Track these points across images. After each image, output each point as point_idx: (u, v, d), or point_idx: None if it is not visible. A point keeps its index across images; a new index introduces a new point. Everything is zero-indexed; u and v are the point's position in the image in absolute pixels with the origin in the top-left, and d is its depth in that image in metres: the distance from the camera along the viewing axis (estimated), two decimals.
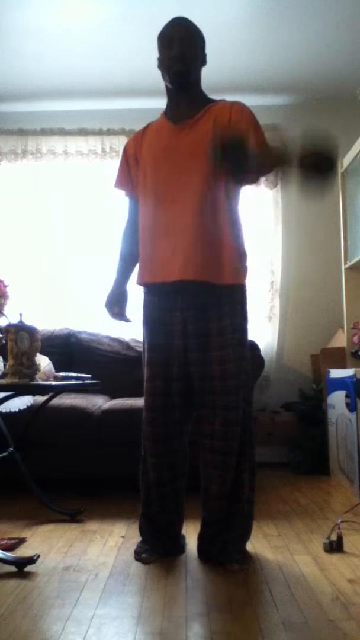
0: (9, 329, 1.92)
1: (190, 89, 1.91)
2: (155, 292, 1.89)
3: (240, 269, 1.85)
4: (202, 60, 1.95)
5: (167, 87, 1.95)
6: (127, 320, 2.04)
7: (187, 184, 1.82)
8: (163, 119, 1.96)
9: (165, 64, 1.88)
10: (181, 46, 1.84)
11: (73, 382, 2.30)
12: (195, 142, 1.83)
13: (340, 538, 1.92)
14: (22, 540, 2.05)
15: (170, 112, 1.94)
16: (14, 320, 1.96)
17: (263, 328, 3.69)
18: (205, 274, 1.79)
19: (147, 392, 1.88)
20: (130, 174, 2.00)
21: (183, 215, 1.81)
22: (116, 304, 2.01)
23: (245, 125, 1.80)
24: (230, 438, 1.79)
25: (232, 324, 1.83)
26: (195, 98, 1.92)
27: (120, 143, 3.86)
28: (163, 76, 1.93)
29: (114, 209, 3.79)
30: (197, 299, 1.82)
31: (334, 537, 1.92)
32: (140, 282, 1.92)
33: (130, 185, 2.01)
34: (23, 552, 1.92)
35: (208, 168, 1.79)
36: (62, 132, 3.88)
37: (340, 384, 2.94)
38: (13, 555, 1.82)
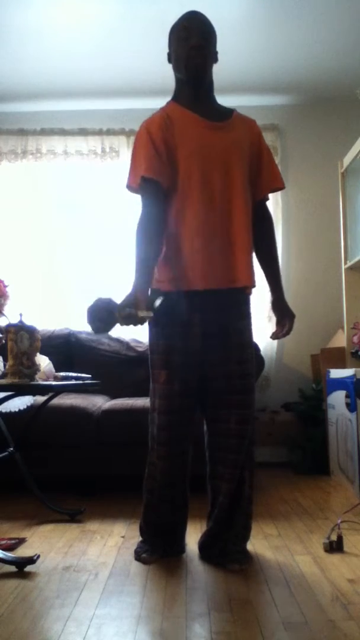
0: (9, 329, 1.92)
1: (206, 85, 1.87)
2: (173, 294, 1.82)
3: None
4: (215, 57, 1.89)
5: (179, 81, 1.88)
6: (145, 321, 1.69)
7: (235, 186, 1.80)
8: (184, 110, 1.83)
9: (183, 55, 1.79)
10: (200, 37, 1.79)
11: (73, 382, 2.30)
12: (236, 145, 1.82)
13: (340, 538, 1.92)
14: (22, 540, 2.05)
15: (194, 107, 1.83)
16: (14, 320, 1.96)
17: (263, 328, 3.69)
18: (252, 280, 1.83)
19: (164, 395, 1.80)
20: (161, 159, 1.77)
21: (234, 218, 1.79)
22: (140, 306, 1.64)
23: (266, 155, 1.92)
24: (244, 437, 1.81)
25: (248, 324, 1.87)
26: (213, 96, 1.91)
27: (120, 143, 3.86)
28: (179, 69, 1.84)
29: (113, 209, 3.80)
30: (222, 301, 1.81)
31: (334, 537, 1.92)
32: (186, 289, 1.77)
33: (166, 173, 1.78)
34: (23, 552, 1.92)
35: (246, 173, 1.84)
36: (62, 132, 3.88)
37: (340, 384, 2.94)
38: (13, 555, 1.82)
